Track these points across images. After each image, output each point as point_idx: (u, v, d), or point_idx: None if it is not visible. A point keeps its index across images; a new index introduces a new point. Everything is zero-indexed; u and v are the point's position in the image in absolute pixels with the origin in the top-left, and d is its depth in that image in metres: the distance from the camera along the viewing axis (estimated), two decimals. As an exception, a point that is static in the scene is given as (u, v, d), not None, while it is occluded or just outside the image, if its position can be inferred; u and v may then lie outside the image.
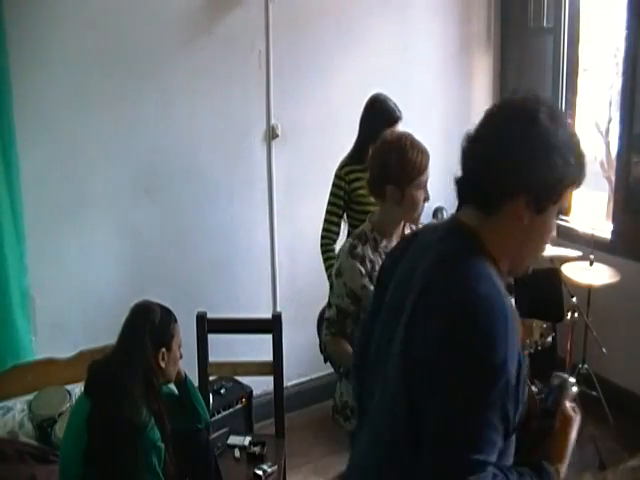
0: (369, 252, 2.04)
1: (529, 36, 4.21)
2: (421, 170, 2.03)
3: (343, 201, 3.07)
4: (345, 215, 3.12)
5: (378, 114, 3.01)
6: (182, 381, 2.32)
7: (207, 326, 2.79)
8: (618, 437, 3.38)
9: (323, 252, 3.08)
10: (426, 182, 2.06)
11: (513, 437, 1.22)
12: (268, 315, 2.90)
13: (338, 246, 3.16)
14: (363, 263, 2.02)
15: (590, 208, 5.42)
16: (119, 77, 3.14)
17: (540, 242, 1.30)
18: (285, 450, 2.83)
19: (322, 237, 3.10)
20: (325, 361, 3.04)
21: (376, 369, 1.34)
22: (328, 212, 3.10)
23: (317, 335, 3.04)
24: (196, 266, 3.49)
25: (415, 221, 2.15)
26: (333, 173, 3.13)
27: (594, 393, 3.51)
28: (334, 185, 3.09)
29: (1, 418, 2.67)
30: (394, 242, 2.11)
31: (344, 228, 3.18)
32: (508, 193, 1.22)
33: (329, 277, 3.03)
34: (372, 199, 3.00)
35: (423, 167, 2.03)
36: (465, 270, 1.20)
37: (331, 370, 3.06)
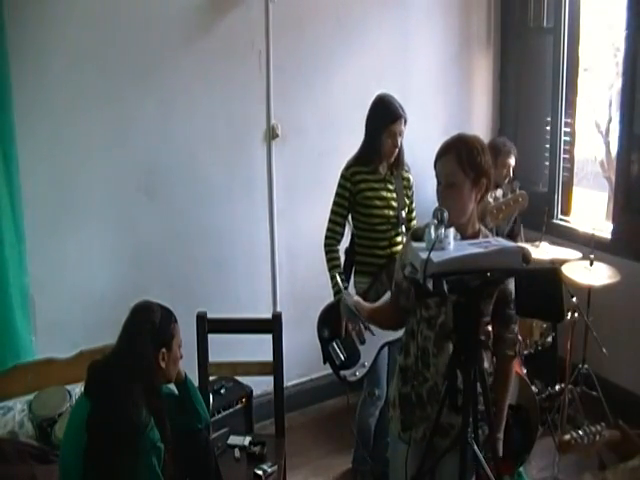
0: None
1: (529, 36, 4.21)
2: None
3: (348, 202, 3.04)
4: (350, 216, 3.10)
5: (380, 112, 3.00)
6: (182, 381, 2.32)
7: (207, 326, 2.79)
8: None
9: (327, 252, 3.05)
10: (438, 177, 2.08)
11: None
12: (268, 315, 2.90)
13: (342, 246, 3.16)
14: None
15: (590, 208, 5.43)
16: (119, 77, 3.14)
17: None
18: (285, 450, 2.83)
19: (326, 237, 3.07)
20: (324, 362, 3.05)
21: None
22: (333, 212, 3.08)
23: (317, 334, 3.05)
24: (196, 266, 3.49)
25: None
26: (333, 173, 3.12)
27: (594, 393, 3.51)
28: (339, 185, 3.06)
29: (1, 418, 2.67)
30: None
31: (348, 229, 3.16)
32: None
33: (332, 277, 3.02)
34: (377, 202, 3.03)
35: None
36: None
37: (331, 370, 3.07)
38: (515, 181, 3.63)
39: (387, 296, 2.91)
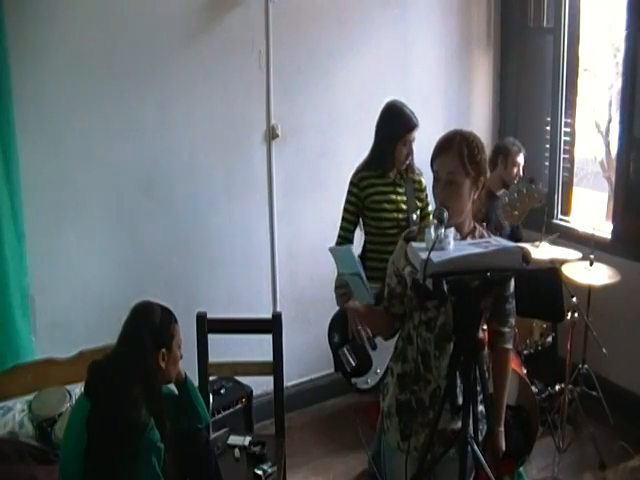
0: None
1: (529, 36, 4.21)
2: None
3: (356, 207, 3.05)
4: (361, 221, 3.10)
5: (395, 121, 2.99)
6: (182, 381, 2.32)
7: (207, 326, 2.79)
8: (618, 437, 3.38)
9: None
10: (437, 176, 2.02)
11: None
12: (268, 315, 2.90)
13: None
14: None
15: (590, 208, 5.44)
16: (119, 76, 3.14)
17: None
18: (285, 450, 2.83)
19: (337, 243, 3.07)
20: (336, 370, 2.95)
21: None
22: (343, 218, 3.10)
23: (327, 340, 2.99)
24: (196, 266, 3.49)
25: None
26: (333, 173, 3.15)
27: (594, 393, 3.51)
28: (348, 192, 3.07)
29: (1, 418, 2.67)
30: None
31: (360, 235, 3.14)
32: None
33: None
34: (387, 205, 3.01)
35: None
36: None
37: (331, 370, 3.06)
38: (524, 178, 3.60)
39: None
